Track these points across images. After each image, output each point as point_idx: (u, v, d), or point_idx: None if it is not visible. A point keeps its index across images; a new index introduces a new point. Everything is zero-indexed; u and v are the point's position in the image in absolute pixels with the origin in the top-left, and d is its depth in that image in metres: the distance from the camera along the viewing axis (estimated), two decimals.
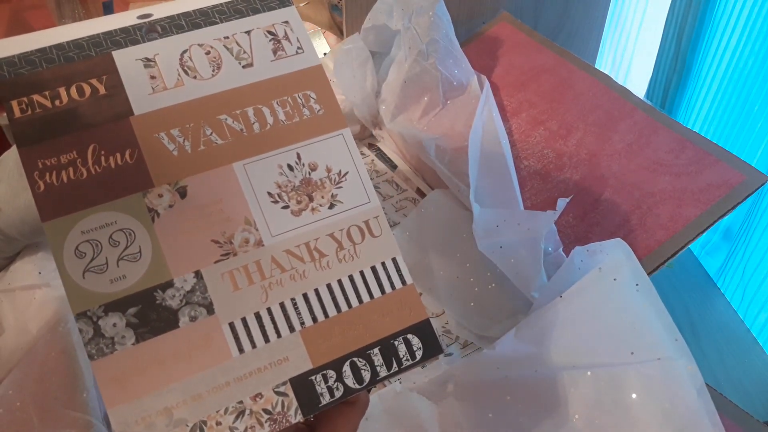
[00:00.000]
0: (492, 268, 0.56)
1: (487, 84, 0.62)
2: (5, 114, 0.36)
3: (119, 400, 0.29)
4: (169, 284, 0.31)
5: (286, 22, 0.36)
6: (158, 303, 0.30)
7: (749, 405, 0.51)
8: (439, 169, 0.63)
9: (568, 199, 0.52)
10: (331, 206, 0.33)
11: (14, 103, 0.32)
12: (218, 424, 0.29)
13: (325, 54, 0.87)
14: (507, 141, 0.59)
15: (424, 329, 0.32)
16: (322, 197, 0.33)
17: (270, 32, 0.36)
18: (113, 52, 0.34)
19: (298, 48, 0.36)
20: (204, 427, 0.29)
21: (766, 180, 0.54)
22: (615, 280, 0.42)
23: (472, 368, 0.43)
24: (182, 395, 0.29)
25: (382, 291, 0.32)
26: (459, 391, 0.43)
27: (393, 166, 0.75)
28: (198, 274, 0.31)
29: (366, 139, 0.80)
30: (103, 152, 0.32)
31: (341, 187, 0.34)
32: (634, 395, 0.38)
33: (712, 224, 0.53)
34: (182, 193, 0.32)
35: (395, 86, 0.68)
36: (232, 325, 0.31)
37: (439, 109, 0.64)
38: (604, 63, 1.07)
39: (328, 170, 0.34)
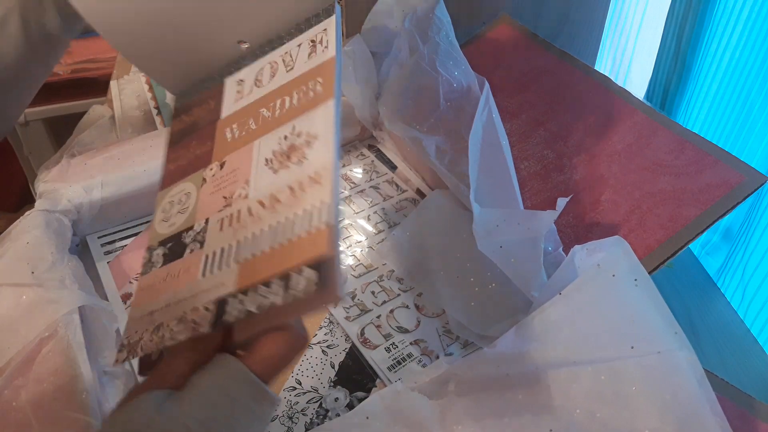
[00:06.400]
0: (492, 268, 0.56)
1: (487, 85, 0.62)
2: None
3: (137, 304, 0.39)
4: (191, 228, 0.40)
5: (325, 30, 0.43)
6: (182, 240, 0.40)
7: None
8: (439, 169, 0.63)
9: (567, 199, 0.52)
10: (299, 163, 0.38)
11: (175, 121, 0.48)
12: (167, 326, 0.36)
13: None
14: (507, 142, 0.59)
15: (323, 265, 0.32)
16: (296, 158, 0.38)
17: (312, 41, 0.44)
18: (225, 79, 0.48)
19: (325, 47, 0.42)
20: (162, 328, 0.36)
21: (766, 180, 0.54)
22: (614, 275, 0.42)
23: (472, 366, 0.43)
24: (162, 304, 0.37)
25: (309, 231, 0.34)
26: (460, 389, 0.43)
27: (393, 167, 0.75)
28: (207, 221, 0.39)
29: (366, 140, 0.80)
30: (196, 144, 0.45)
31: (312, 147, 0.38)
32: (634, 388, 0.38)
33: (711, 224, 0.53)
34: (222, 165, 0.42)
35: (396, 88, 0.68)
36: (206, 257, 0.38)
37: (440, 111, 0.65)
38: (604, 64, 1.07)
39: (307, 135, 0.39)
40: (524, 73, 0.73)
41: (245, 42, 0.47)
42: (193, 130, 0.46)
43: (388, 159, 0.76)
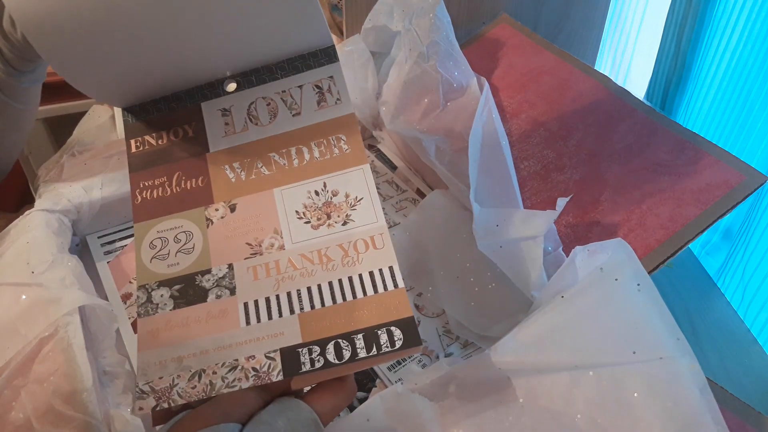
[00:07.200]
0: (492, 267, 0.56)
1: (486, 85, 0.62)
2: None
3: (148, 347, 0.37)
4: (208, 271, 0.39)
5: (331, 77, 0.43)
6: (196, 283, 0.39)
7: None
8: (439, 169, 0.63)
9: (567, 199, 0.52)
10: (345, 223, 0.39)
11: (132, 141, 0.44)
12: (214, 373, 0.36)
13: None
14: (507, 141, 0.59)
15: (407, 324, 0.36)
16: (338, 216, 0.39)
17: (317, 86, 0.43)
18: (202, 103, 0.44)
19: (338, 99, 0.43)
20: (202, 374, 0.36)
21: (766, 180, 0.54)
22: (617, 280, 0.42)
23: (473, 369, 0.43)
24: (194, 349, 0.37)
25: (375, 291, 0.37)
26: (461, 391, 0.43)
27: (393, 167, 0.75)
28: (230, 266, 0.39)
29: (366, 140, 0.80)
30: (183, 178, 0.42)
31: (355, 209, 0.40)
32: (636, 394, 0.38)
33: (711, 224, 0.53)
34: (232, 208, 0.41)
35: (396, 88, 0.68)
36: (246, 304, 0.38)
37: (439, 111, 0.64)
38: (603, 63, 1.07)
39: (347, 196, 0.40)
40: (524, 73, 0.73)
41: (227, 69, 0.44)
42: (167, 158, 0.43)
43: (388, 159, 0.76)
